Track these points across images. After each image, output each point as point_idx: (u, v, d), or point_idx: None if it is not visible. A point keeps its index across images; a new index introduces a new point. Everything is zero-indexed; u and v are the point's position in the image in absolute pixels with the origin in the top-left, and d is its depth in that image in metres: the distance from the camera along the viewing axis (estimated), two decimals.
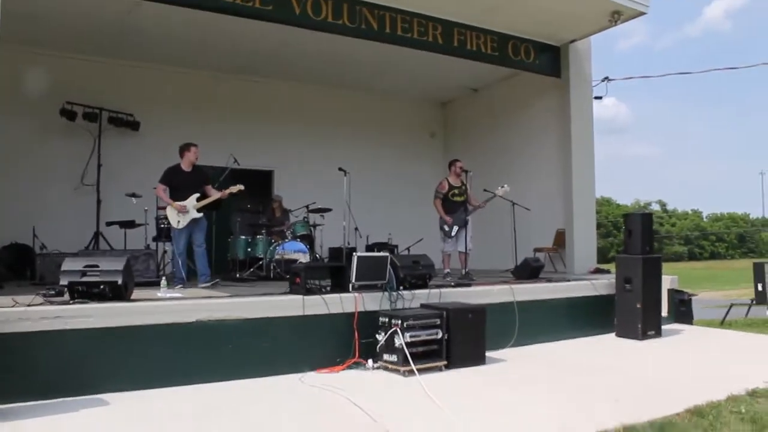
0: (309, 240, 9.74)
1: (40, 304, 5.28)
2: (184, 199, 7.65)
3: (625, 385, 5.52)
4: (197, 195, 7.69)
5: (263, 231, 9.72)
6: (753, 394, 5.04)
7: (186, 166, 7.84)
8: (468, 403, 4.97)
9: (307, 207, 10.41)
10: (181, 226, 7.62)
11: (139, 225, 9.49)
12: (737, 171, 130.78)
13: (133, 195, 9.33)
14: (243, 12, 8.04)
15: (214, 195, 7.81)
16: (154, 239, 9.44)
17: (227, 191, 7.85)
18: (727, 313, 10.16)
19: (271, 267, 9.17)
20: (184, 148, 7.86)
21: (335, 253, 10.63)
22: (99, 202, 10.17)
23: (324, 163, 11.32)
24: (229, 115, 11.75)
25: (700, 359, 6.74)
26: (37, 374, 4.92)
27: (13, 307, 5.02)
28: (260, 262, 9.38)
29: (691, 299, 9.17)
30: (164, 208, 9.10)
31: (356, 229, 10.55)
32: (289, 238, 9.48)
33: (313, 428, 4.39)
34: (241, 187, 7.99)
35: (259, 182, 12.11)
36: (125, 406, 4.81)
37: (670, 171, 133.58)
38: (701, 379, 5.64)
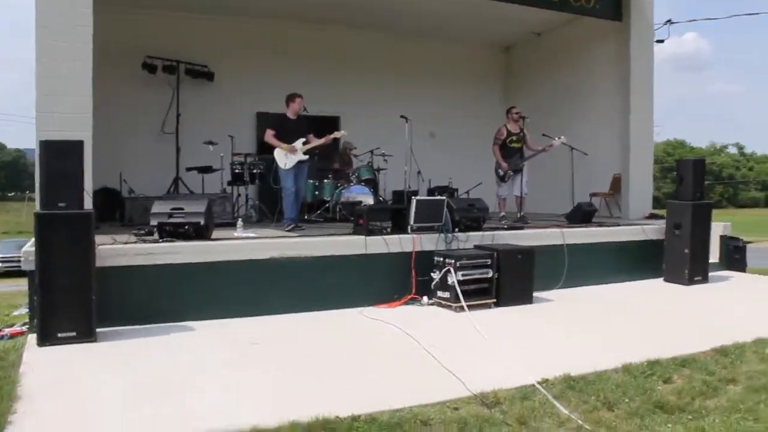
0: (373, 184, 10.23)
1: (134, 242, 6.05)
2: (291, 143, 8.11)
3: (661, 325, 5.91)
4: (303, 140, 8.13)
5: (330, 175, 10.28)
6: None
7: (291, 115, 8.28)
8: (508, 335, 5.51)
9: (371, 152, 10.86)
10: (288, 167, 8.05)
11: (216, 170, 10.19)
12: None
13: (210, 143, 9.98)
14: None
15: (318, 140, 8.28)
16: (229, 183, 10.09)
17: (331, 136, 8.34)
18: None
19: (337, 209, 9.73)
20: (289, 99, 8.27)
21: (398, 196, 11.05)
22: (178, 149, 10.91)
23: (388, 108, 11.42)
24: (296, 63, 12.08)
25: (738, 304, 6.99)
26: (132, 303, 5.73)
27: (113, 244, 5.77)
28: (327, 205, 9.97)
29: (745, 246, 9.21)
30: (239, 154, 9.85)
31: (419, 172, 10.97)
32: (354, 182, 10.00)
33: (368, 350, 5.02)
34: (344, 132, 8.77)
35: (327, 128, 12.51)
36: (207, 331, 5.56)
37: (751, 111, 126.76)
38: (735, 323, 5.94)
